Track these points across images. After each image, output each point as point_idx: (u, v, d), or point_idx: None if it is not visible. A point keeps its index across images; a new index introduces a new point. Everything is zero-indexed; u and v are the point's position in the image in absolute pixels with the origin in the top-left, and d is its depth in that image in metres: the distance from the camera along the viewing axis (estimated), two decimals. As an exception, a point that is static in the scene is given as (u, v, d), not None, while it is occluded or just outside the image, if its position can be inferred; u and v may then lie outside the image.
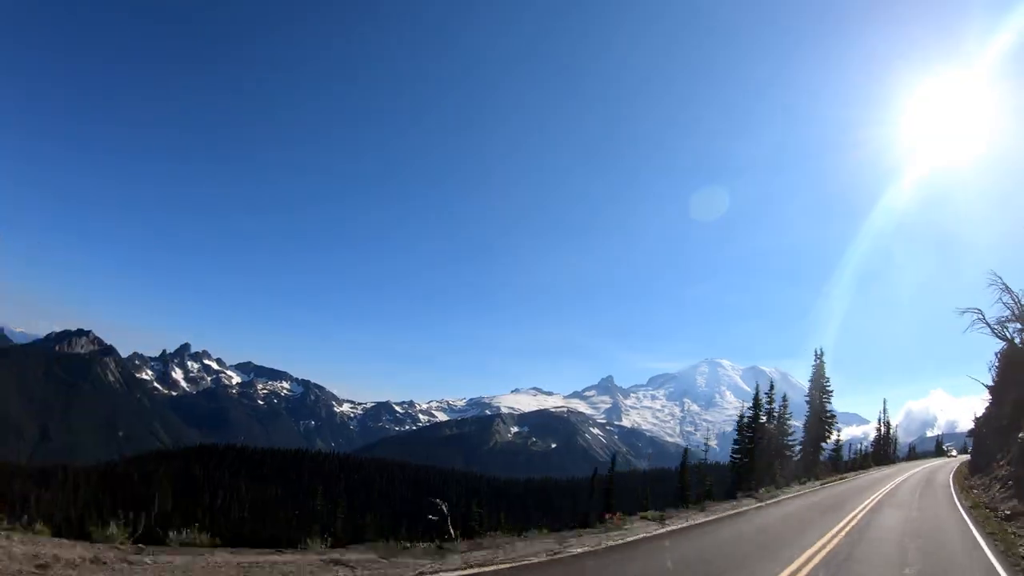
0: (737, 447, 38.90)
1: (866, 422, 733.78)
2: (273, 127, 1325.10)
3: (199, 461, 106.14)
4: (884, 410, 77.62)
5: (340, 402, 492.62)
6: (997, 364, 33.49)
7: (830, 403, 47.67)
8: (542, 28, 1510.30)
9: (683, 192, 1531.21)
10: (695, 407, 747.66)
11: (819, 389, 47.31)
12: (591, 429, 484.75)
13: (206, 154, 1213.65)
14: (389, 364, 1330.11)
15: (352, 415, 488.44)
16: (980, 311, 30.85)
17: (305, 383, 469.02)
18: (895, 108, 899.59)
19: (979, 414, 40.56)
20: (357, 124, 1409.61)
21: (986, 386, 35.22)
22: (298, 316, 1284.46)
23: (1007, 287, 29.26)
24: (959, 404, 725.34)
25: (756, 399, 39.94)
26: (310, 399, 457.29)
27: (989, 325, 30.62)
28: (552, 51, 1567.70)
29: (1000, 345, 32.14)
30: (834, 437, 50.20)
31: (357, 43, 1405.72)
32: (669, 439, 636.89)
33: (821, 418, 46.37)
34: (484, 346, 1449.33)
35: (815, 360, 47.91)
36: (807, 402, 48.46)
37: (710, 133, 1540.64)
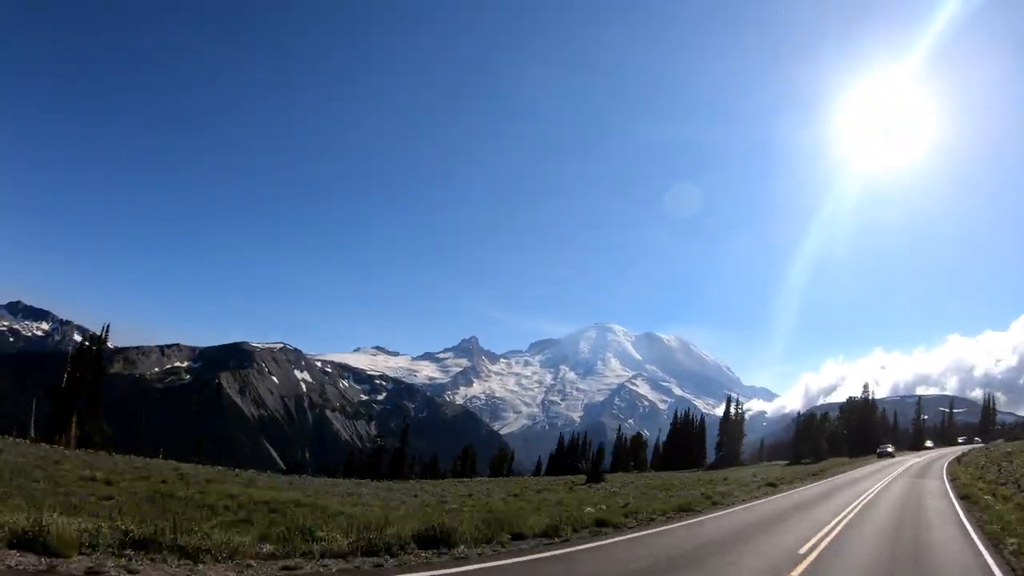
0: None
1: (775, 396, 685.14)
2: None
3: None
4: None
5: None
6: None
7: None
8: None
9: (597, 140, 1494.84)
10: (572, 375, 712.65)
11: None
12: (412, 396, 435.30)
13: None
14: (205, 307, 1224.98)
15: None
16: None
17: (67, 324, 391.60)
18: (830, 107, 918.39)
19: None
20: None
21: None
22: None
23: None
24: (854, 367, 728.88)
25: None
26: (53, 340, 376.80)
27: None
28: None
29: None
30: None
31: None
32: (526, 408, 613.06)
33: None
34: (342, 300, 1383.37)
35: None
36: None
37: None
